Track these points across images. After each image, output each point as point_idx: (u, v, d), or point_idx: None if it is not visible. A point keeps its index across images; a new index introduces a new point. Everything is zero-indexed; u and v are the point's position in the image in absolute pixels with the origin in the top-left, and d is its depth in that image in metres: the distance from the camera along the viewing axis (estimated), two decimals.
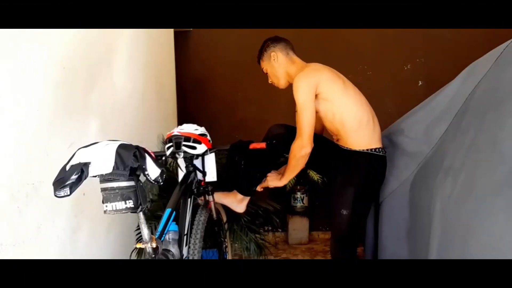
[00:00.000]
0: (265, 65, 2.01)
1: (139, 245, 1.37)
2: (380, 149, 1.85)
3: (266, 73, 2.04)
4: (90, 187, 1.61)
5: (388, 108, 3.47)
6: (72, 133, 1.65)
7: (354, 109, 1.83)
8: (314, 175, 3.19)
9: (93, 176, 1.18)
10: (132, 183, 1.23)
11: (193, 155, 1.80)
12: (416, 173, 1.79)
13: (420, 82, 3.56)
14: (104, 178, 1.19)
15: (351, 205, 1.81)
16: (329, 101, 1.81)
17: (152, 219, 2.17)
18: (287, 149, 1.90)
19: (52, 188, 1.12)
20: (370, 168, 1.83)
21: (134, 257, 2.08)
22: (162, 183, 1.30)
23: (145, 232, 1.34)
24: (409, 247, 1.79)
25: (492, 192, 1.15)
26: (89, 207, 1.73)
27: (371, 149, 1.83)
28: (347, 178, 1.84)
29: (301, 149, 1.76)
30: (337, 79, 1.85)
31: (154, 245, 1.34)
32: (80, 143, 1.67)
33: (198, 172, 1.97)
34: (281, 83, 2.00)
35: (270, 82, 2.04)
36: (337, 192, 1.86)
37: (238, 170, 1.99)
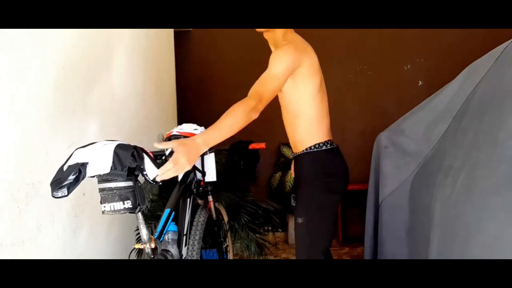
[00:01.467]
0: None
1: (138, 246, 1.37)
2: (327, 142, 1.67)
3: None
4: (90, 187, 1.61)
5: (388, 108, 3.47)
6: (72, 133, 1.65)
7: (314, 104, 1.66)
8: None
9: (91, 177, 1.17)
10: (130, 183, 1.23)
11: None
12: (416, 173, 1.79)
13: (420, 82, 3.56)
14: (102, 179, 1.19)
15: (304, 213, 1.64)
16: (300, 87, 1.63)
17: (152, 219, 2.18)
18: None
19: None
20: (317, 166, 1.65)
21: (133, 257, 2.08)
22: (160, 183, 1.30)
23: (144, 232, 1.34)
24: (409, 247, 1.79)
25: (492, 192, 1.15)
26: (89, 207, 1.73)
27: (317, 144, 1.65)
28: (297, 183, 1.72)
29: (250, 111, 1.45)
30: (319, 70, 1.71)
31: (152, 245, 1.35)
32: (80, 143, 1.67)
33: (197, 172, 1.97)
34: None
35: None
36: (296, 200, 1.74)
37: (238, 170, 1.99)
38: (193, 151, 1.31)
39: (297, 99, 1.66)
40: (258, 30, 1.68)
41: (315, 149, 1.66)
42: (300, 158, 1.70)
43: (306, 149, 1.67)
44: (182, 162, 1.25)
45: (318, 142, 1.67)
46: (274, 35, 1.69)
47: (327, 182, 1.64)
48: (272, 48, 1.72)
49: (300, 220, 1.64)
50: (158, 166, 1.25)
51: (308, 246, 1.68)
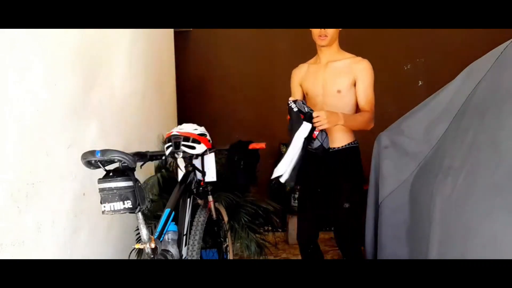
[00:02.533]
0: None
1: (138, 246, 1.38)
2: (356, 141, 2.03)
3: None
4: (90, 187, 1.61)
5: (388, 108, 3.47)
6: (72, 133, 1.65)
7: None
8: None
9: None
10: (130, 183, 1.23)
11: (192, 155, 1.80)
12: (416, 173, 1.79)
13: (420, 82, 3.56)
14: (102, 178, 1.19)
15: (354, 199, 1.96)
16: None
17: (152, 219, 2.18)
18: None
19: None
20: (359, 159, 2.02)
21: (133, 257, 2.08)
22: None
23: (144, 232, 1.34)
24: (409, 247, 1.79)
25: (492, 192, 1.15)
26: (89, 207, 1.73)
27: (355, 141, 2.02)
28: (344, 174, 1.99)
29: (370, 123, 1.93)
30: None
31: (152, 245, 1.35)
32: (80, 143, 1.68)
33: (197, 172, 1.97)
34: (333, 40, 1.98)
35: (324, 33, 1.92)
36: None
37: (237, 170, 1.99)
38: (334, 115, 1.78)
39: (354, 99, 1.98)
40: (320, 43, 1.95)
41: (355, 145, 2.01)
42: (346, 151, 1.98)
43: (350, 143, 1.99)
44: (323, 116, 1.72)
45: (355, 139, 2.02)
46: (330, 50, 1.99)
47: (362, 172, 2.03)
48: (325, 59, 2.01)
49: (348, 205, 1.93)
50: None
51: (355, 226, 1.99)
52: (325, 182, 2.00)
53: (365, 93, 1.93)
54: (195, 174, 1.94)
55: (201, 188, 1.99)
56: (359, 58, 1.99)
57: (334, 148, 1.97)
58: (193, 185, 1.92)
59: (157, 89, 2.94)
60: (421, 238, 1.54)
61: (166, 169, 2.49)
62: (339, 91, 1.95)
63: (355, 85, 1.96)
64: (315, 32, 1.93)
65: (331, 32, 1.92)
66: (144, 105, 2.61)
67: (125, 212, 1.27)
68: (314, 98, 2.02)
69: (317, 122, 1.74)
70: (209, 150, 1.86)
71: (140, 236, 1.38)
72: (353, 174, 1.98)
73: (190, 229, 1.79)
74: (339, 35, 2.00)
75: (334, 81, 1.96)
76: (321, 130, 1.77)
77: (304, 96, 2.09)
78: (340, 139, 1.98)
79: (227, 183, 2.23)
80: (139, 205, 1.26)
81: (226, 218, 2.22)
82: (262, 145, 2.00)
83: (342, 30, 2.00)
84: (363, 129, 1.92)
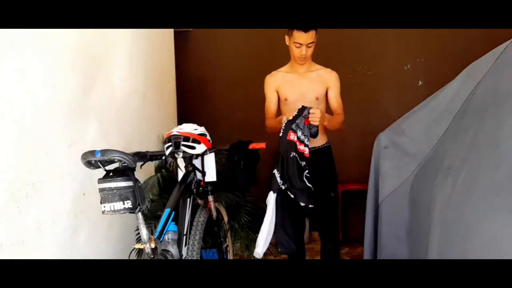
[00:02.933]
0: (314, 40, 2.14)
1: (138, 246, 1.38)
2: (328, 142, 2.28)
3: (311, 46, 2.11)
4: (90, 187, 1.61)
5: (388, 108, 3.47)
6: (72, 133, 1.65)
7: None
8: None
9: None
10: (130, 183, 1.23)
11: (192, 155, 1.80)
12: (416, 173, 1.79)
13: (420, 82, 3.56)
14: (102, 178, 1.20)
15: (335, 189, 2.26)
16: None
17: (152, 219, 2.18)
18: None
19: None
20: (331, 157, 2.28)
21: (133, 257, 2.08)
22: None
23: (144, 232, 1.35)
24: (408, 247, 1.79)
25: (492, 192, 1.15)
26: (89, 207, 1.73)
27: (327, 142, 2.26)
28: (325, 168, 2.24)
29: (343, 124, 2.21)
30: None
31: (152, 245, 1.35)
32: (80, 143, 1.68)
33: (197, 172, 1.97)
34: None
35: (304, 56, 2.11)
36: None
37: (237, 170, 1.99)
38: (323, 115, 2.01)
39: (326, 105, 2.26)
40: (299, 63, 2.16)
41: (329, 144, 2.25)
42: (325, 149, 2.23)
43: (325, 143, 2.24)
44: (318, 113, 1.93)
45: (328, 140, 2.26)
46: (307, 62, 2.20)
47: None
48: (301, 70, 2.21)
49: (333, 194, 2.22)
50: None
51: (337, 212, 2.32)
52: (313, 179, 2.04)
53: (337, 99, 2.22)
54: (195, 174, 1.94)
55: (201, 188, 1.99)
56: (329, 69, 2.24)
57: (314, 147, 2.12)
58: (193, 185, 1.92)
59: (157, 89, 2.94)
60: (421, 238, 1.54)
61: (166, 169, 2.49)
62: (317, 98, 2.18)
63: (326, 92, 2.21)
64: (296, 53, 2.11)
65: (310, 53, 2.12)
66: (144, 105, 2.61)
67: (125, 212, 1.27)
68: (294, 104, 2.12)
69: (312, 116, 1.93)
70: (209, 150, 1.86)
71: (140, 236, 1.38)
72: (331, 169, 2.23)
73: (190, 229, 1.79)
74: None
75: (313, 90, 2.19)
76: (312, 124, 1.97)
77: (279, 101, 2.24)
78: (319, 139, 2.15)
79: (227, 183, 2.23)
80: (139, 205, 1.26)
81: (226, 218, 2.22)
82: (262, 145, 2.00)
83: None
84: (338, 128, 2.19)
